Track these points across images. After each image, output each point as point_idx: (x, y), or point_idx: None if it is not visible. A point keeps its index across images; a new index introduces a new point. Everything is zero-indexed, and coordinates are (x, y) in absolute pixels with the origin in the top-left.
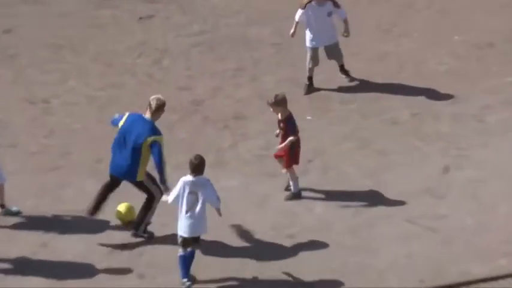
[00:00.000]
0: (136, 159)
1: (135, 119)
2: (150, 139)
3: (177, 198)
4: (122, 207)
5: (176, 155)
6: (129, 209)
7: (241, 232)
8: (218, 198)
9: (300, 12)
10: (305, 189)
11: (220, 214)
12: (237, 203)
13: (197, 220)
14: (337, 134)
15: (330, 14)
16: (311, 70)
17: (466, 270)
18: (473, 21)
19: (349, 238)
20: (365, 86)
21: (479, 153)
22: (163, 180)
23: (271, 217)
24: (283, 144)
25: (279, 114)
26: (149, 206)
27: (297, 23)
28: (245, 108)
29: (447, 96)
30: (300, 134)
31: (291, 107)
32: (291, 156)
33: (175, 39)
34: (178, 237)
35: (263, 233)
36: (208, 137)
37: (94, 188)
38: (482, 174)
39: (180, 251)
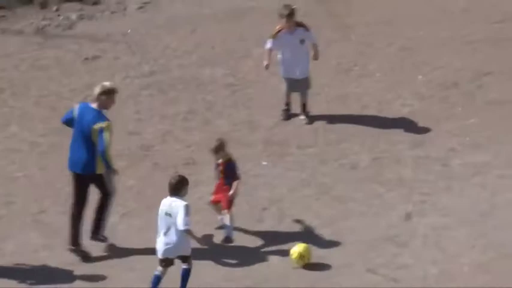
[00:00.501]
0: (90, 150)
1: (83, 108)
2: (97, 127)
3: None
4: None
5: (124, 203)
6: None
7: (193, 283)
8: (186, 222)
9: (270, 41)
10: (260, 239)
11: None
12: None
13: (174, 242)
14: (294, 180)
15: (302, 42)
16: (288, 96)
17: None
18: (438, 60)
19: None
20: (324, 129)
21: (443, 199)
22: (108, 165)
23: (225, 268)
24: (232, 191)
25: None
26: (105, 204)
27: (270, 50)
28: (197, 153)
29: (410, 139)
30: (255, 181)
31: (245, 151)
32: (232, 199)
33: (124, 81)
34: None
35: (217, 285)
36: (157, 184)
37: (37, 241)
38: (446, 221)
39: (156, 269)
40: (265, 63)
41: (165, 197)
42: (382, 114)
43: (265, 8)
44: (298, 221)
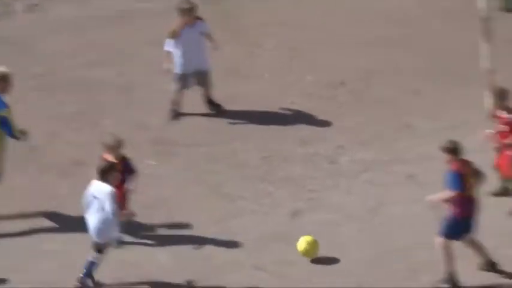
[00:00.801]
0: None
1: None
2: None
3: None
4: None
5: (11, 205)
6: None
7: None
8: (114, 210)
9: (170, 42)
10: (148, 238)
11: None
12: (81, 254)
13: (96, 226)
14: (183, 179)
15: (202, 34)
16: (178, 95)
17: None
18: (326, 60)
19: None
20: (214, 128)
21: (331, 195)
22: (17, 136)
23: (112, 267)
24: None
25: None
26: None
27: (170, 52)
28: (85, 153)
29: (299, 138)
30: (143, 180)
31: (134, 151)
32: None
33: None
34: None
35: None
36: (45, 185)
37: None
38: (334, 218)
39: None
40: (166, 66)
41: (53, 199)
42: (271, 114)
43: (154, 9)
44: (187, 220)
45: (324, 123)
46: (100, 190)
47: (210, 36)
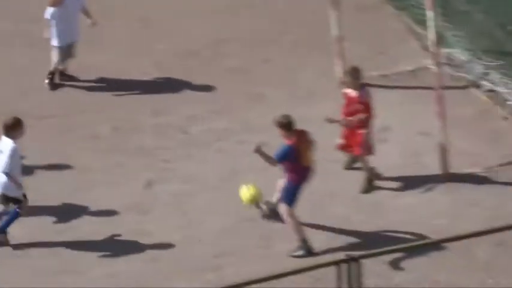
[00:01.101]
0: None
1: None
2: None
3: None
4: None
5: None
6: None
7: None
8: (6, 166)
9: (52, 9)
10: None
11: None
12: None
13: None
14: (38, 152)
15: (81, 6)
16: (62, 63)
17: (172, 287)
18: (177, 29)
19: (52, 259)
20: (65, 100)
21: (184, 166)
22: None
23: None
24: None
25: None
26: None
27: (50, 21)
28: None
29: (150, 108)
30: None
31: None
32: None
33: None
34: None
35: None
36: None
37: None
38: (188, 188)
39: None
40: (46, 34)
41: None
42: (122, 84)
43: None
44: (39, 192)
45: (176, 93)
46: (5, 145)
47: (87, 11)
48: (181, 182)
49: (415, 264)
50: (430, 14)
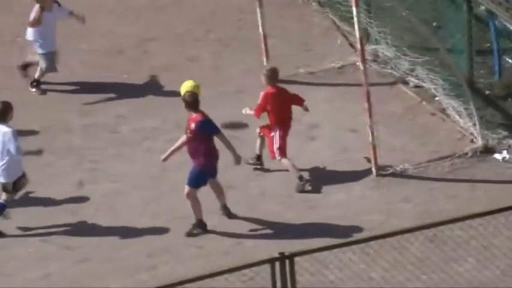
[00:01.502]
0: None
1: None
2: None
3: None
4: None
5: None
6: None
7: None
8: (18, 149)
9: (33, 30)
10: None
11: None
12: None
13: (5, 166)
14: None
15: (62, 17)
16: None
17: (105, 287)
18: (102, 27)
19: None
20: None
21: (113, 165)
22: None
23: None
24: None
25: None
26: None
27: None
28: None
29: (78, 108)
30: None
31: None
32: None
33: None
34: None
35: None
36: None
37: None
38: (118, 187)
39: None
40: (30, 57)
41: None
42: (50, 86)
43: None
44: None
45: (103, 93)
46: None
47: (74, 14)
48: (111, 182)
49: (348, 262)
50: (355, 10)
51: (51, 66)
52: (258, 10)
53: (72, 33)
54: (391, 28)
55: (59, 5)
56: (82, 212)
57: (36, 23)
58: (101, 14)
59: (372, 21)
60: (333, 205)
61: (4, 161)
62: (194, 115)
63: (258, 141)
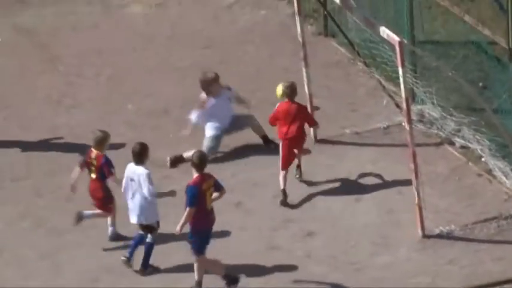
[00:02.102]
0: None
1: None
2: None
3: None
4: None
5: None
6: None
7: None
8: (151, 191)
9: (196, 111)
10: None
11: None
12: None
13: (138, 208)
14: (10, 213)
15: (230, 99)
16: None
17: None
18: (147, 88)
19: None
20: (38, 161)
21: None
22: None
23: None
24: None
25: None
26: None
27: (191, 121)
28: None
29: (123, 169)
30: None
31: None
32: None
33: None
34: None
35: None
36: None
37: None
38: None
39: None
40: (185, 132)
41: None
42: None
43: None
44: (14, 255)
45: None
46: (136, 173)
47: (240, 99)
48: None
49: None
50: (401, 70)
51: (214, 148)
52: (303, 70)
53: (119, 94)
54: (437, 88)
55: (229, 88)
56: (128, 273)
57: (201, 107)
58: (145, 74)
59: (417, 81)
60: (379, 267)
61: (135, 202)
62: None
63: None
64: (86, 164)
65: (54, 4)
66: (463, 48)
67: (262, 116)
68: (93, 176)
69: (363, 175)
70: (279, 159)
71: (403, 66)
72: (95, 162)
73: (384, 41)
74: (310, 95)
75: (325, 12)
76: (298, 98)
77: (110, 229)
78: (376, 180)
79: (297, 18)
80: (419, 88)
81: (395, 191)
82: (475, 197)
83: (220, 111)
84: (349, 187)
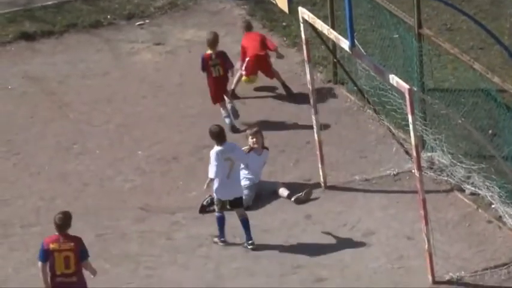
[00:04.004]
0: None
1: None
2: None
3: (217, 169)
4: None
5: None
6: None
7: None
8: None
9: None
10: None
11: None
12: None
13: (237, 182)
14: (20, 259)
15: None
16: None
17: None
18: (156, 135)
19: None
20: (47, 208)
21: (168, 272)
22: None
23: None
24: None
25: None
26: None
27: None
28: None
29: (133, 214)
30: None
31: None
32: None
33: None
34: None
35: None
36: None
37: None
38: None
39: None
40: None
41: None
42: (104, 191)
43: None
44: None
45: (158, 199)
46: (229, 151)
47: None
48: None
49: None
50: (410, 118)
51: (248, 198)
52: (313, 117)
53: (128, 141)
54: (447, 135)
55: (267, 149)
56: None
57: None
58: (155, 121)
59: (427, 128)
60: None
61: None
62: None
63: None
64: None
65: (64, 52)
66: (472, 95)
67: (270, 160)
68: None
69: (373, 222)
70: (287, 207)
71: (412, 113)
72: None
73: (394, 88)
74: (320, 142)
75: (335, 60)
76: (309, 146)
77: None
78: (386, 227)
79: (307, 66)
80: (428, 135)
81: (405, 237)
82: (485, 244)
83: (256, 167)
84: (359, 233)
